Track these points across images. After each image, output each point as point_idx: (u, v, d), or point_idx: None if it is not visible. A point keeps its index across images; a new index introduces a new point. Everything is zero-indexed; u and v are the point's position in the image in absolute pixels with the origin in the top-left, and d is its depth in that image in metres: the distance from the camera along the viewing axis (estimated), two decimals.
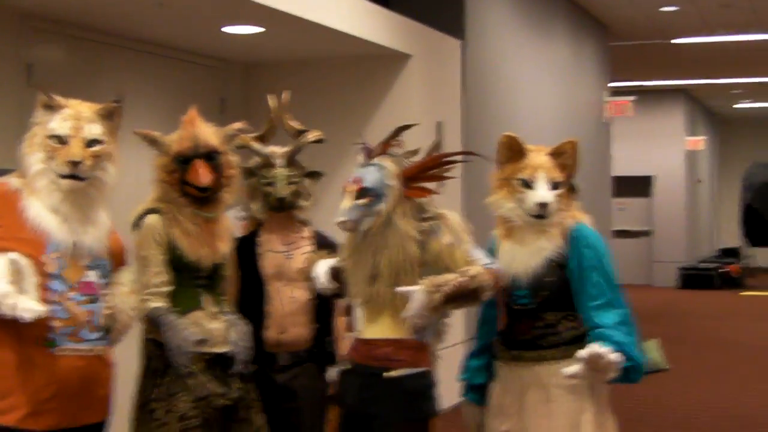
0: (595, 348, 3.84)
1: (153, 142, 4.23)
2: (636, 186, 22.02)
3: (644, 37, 15.61)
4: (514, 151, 4.22)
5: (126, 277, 4.01)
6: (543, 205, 4.09)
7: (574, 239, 4.10)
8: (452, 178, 4.30)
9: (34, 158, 3.74)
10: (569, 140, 4.24)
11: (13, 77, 5.70)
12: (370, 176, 4.00)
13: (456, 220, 4.06)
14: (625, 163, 19.21)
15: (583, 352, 3.86)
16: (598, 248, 4.12)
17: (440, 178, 4.18)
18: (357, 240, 4.04)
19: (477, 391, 4.35)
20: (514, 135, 4.24)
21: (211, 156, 4.20)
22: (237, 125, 4.42)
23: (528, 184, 4.14)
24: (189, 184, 4.16)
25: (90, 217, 3.78)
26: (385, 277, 3.95)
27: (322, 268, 4.27)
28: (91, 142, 3.75)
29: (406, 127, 4.19)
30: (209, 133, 4.24)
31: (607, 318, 4.04)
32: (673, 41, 15.79)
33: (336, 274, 4.23)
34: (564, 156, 4.21)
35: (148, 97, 6.80)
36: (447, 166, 4.20)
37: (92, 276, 3.76)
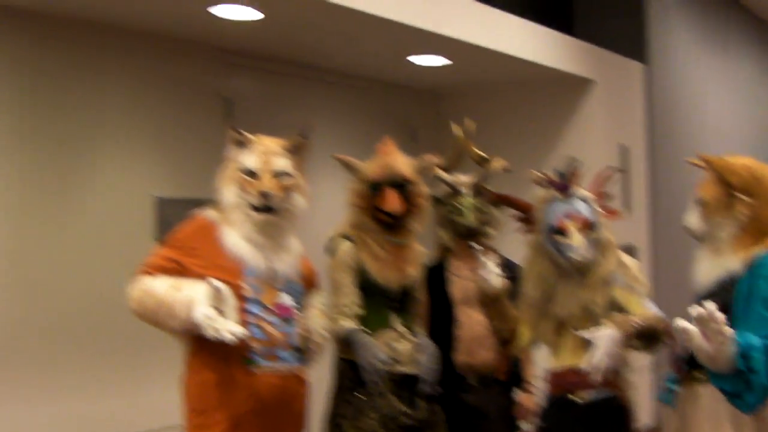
0: (709, 306, 3.52)
1: (349, 167, 4.44)
2: None
3: None
4: None
5: (318, 299, 4.21)
6: None
7: (753, 266, 3.77)
8: (613, 195, 4.31)
9: (229, 191, 3.98)
10: None
11: (212, 111, 5.94)
12: (584, 209, 4.02)
13: (635, 266, 4.06)
14: None
15: (696, 309, 3.56)
16: None
17: (608, 197, 4.21)
18: (558, 278, 4.05)
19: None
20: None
21: (402, 185, 4.35)
22: (430, 157, 4.57)
23: None
24: (380, 210, 4.32)
25: (282, 245, 3.99)
26: (581, 317, 3.98)
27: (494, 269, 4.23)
28: (280, 175, 3.96)
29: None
30: (403, 163, 4.41)
31: (754, 339, 3.65)
32: None
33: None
34: None
35: (341, 125, 6.97)
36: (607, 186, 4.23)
37: (286, 299, 3.95)
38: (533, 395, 4.90)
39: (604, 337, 3.84)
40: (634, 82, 8.45)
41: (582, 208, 4.00)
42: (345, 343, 4.28)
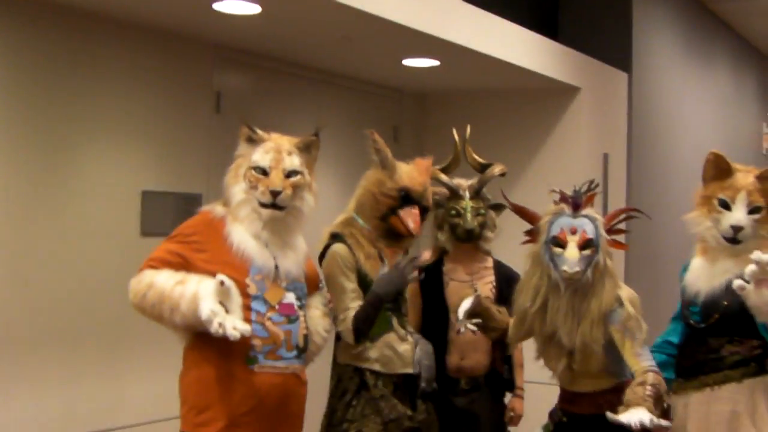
0: (761, 254, 3.69)
1: (382, 157, 4.42)
2: None
3: None
4: (720, 169, 4.17)
5: (319, 300, 4.21)
6: (737, 229, 4.04)
7: None
8: (628, 232, 4.28)
9: (238, 188, 3.96)
10: None
11: (203, 105, 5.90)
12: (588, 227, 4.00)
13: (633, 307, 3.99)
14: None
15: (755, 255, 3.71)
16: None
17: (621, 231, 4.17)
18: (550, 291, 4.04)
19: None
20: (721, 153, 4.20)
21: (425, 209, 4.42)
22: (428, 162, 4.60)
23: (726, 205, 4.09)
24: (399, 219, 4.33)
25: (288, 243, 3.98)
26: (581, 348, 3.97)
27: (466, 305, 4.30)
28: (291, 173, 3.95)
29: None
30: (430, 187, 4.49)
31: None
32: None
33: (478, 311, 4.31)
34: None
35: (326, 124, 6.91)
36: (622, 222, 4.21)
37: (290, 298, 3.93)
38: (523, 400, 4.93)
39: (637, 419, 3.67)
40: (619, 90, 8.50)
41: (587, 227, 3.99)
42: (362, 322, 4.24)
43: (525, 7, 8.42)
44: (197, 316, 3.64)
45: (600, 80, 8.05)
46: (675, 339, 4.41)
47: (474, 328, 4.26)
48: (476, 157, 5.01)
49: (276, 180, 3.90)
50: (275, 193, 3.88)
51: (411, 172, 4.42)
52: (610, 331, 3.91)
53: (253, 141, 4.00)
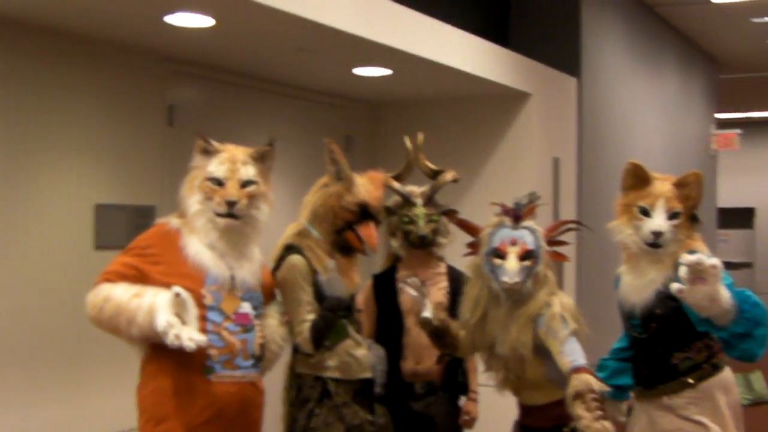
0: (691, 256, 3.76)
1: (338, 168, 4.43)
2: (738, 218, 21.73)
3: (752, 70, 15.53)
4: (638, 178, 4.25)
5: (275, 309, 4.23)
6: (657, 234, 4.12)
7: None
8: (569, 243, 4.33)
9: (193, 199, 3.99)
10: (694, 171, 4.29)
11: (156, 118, 5.91)
12: (528, 239, 4.04)
13: (558, 306, 4.02)
14: (728, 194, 19.01)
15: (683, 258, 3.80)
16: None
17: (561, 243, 4.22)
18: (490, 302, 4.09)
19: (616, 388, 4.37)
20: (639, 163, 4.28)
21: (379, 223, 4.48)
22: (379, 174, 4.63)
23: (646, 212, 4.17)
24: (356, 234, 4.35)
25: (244, 253, 4.01)
26: (519, 359, 4.01)
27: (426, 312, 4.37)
28: (246, 183, 3.99)
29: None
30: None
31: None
32: None
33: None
34: (688, 187, 4.24)
35: (279, 135, 6.90)
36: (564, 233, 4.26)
37: (246, 307, 3.97)
38: (477, 403, 4.99)
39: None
40: (569, 95, 8.58)
41: (527, 238, 4.03)
42: (319, 330, 4.26)
43: (476, 15, 8.49)
44: (154, 328, 3.67)
45: (550, 86, 8.12)
46: (628, 344, 4.48)
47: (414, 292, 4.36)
48: (428, 163, 5.06)
49: (232, 190, 3.94)
50: (231, 203, 3.92)
51: (367, 186, 4.44)
52: (539, 335, 3.97)
53: (208, 152, 4.03)
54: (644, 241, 4.17)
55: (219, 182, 3.96)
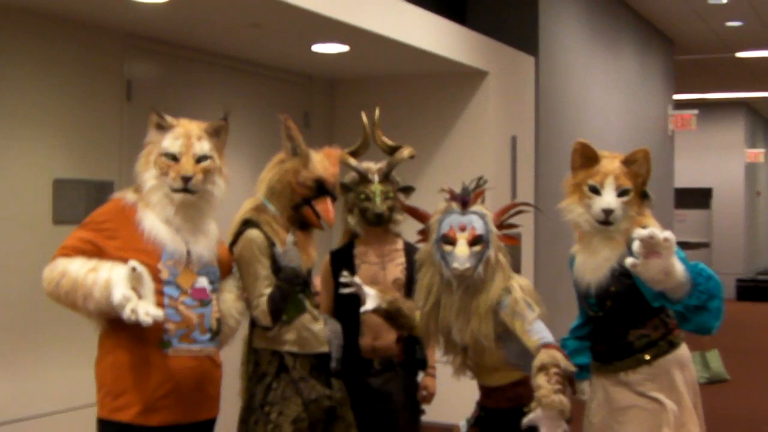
0: (643, 231, 3.82)
1: (294, 144, 4.41)
2: (695, 198, 21.95)
3: (708, 51, 15.66)
4: (586, 158, 4.28)
5: (232, 284, 4.26)
6: (608, 212, 4.14)
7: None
8: (520, 226, 4.35)
9: (149, 175, 4.00)
10: (642, 148, 4.28)
11: (114, 93, 5.90)
12: (478, 224, 4.02)
13: (519, 291, 4.02)
14: (685, 174, 19.19)
15: (636, 233, 3.89)
16: None
17: (511, 226, 4.21)
18: (442, 289, 4.07)
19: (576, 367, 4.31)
20: (587, 142, 4.31)
21: (335, 199, 4.47)
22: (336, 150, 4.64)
23: (596, 190, 4.20)
24: (313, 210, 4.37)
25: (200, 228, 4.03)
26: (478, 344, 4.00)
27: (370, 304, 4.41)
28: (201, 158, 4.00)
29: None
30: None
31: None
32: (737, 55, 15.84)
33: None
34: (636, 164, 4.25)
35: (237, 111, 6.91)
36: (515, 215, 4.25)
37: (203, 282, 3.99)
38: (435, 378, 5.02)
39: (546, 420, 3.73)
40: (527, 74, 8.61)
41: (476, 223, 4.02)
42: (276, 302, 4.25)
43: None
44: (110, 302, 3.70)
45: (507, 64, 8.15)
46: (584, 321, 4.53)
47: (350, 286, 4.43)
48: (385, 139, 5.06)
49: (187, 165, 3.95)
50: (186, 179, 3.93)
51: (324, 162, 4.44)
52: (502, 318, 3.97)
53: (163, 127, 4.04)
54: (595, 219, 4.20)
55: (174, 157, 3.97)
